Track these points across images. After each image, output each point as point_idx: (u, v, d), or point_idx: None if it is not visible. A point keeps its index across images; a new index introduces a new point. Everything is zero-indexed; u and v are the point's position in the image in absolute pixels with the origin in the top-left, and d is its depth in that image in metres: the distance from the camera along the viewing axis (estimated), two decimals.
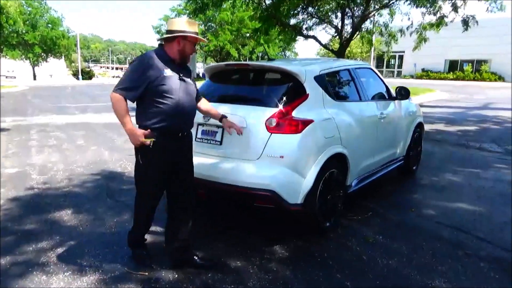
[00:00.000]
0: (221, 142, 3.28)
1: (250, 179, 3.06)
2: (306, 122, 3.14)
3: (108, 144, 7.34)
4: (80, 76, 42.45)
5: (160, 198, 2.85)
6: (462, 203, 4.27)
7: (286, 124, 3.09)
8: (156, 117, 2.56)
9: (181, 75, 2.64)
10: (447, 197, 4.47)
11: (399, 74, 41.09)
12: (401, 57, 41.28)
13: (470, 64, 36.78)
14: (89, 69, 53.39)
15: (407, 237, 3.43)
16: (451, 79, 35.19)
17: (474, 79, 34.32)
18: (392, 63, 43.13)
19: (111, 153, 6.50)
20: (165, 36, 2.61)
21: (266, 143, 3.07)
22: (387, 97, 4.69)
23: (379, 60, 41.68)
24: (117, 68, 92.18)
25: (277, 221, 3.69)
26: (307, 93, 3.34)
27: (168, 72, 2.56)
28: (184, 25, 2.63)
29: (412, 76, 38.14)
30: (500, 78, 33.71)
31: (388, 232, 3.52)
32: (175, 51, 2.61)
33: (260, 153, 3.08)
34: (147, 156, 2.61)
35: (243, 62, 3.56)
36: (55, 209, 3.97)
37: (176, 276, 2.75)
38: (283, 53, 52.02)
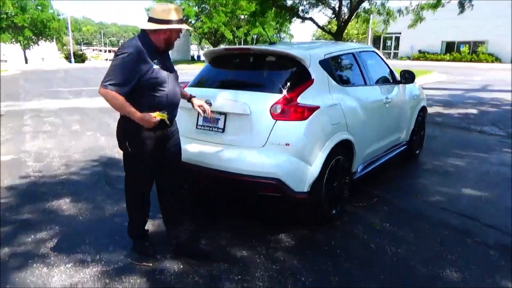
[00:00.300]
0: (223, 130, 3.17)
1: (255, 167, 2.97)
2: (312, 109, 3.04)
3: (104, 129, 7.20)
4: (72, 59, 41.70)
5: (151, 186, 2.78)
6: (467, 188, 4.22)
7: (291, 110, 2.98)
8: (148, 109, 2.46)
9: (167, 64, 2.57)
10: (452, 182, 4.42)
11: (395, 56, 40.80)
12: (397, 39, 40.92)
13: (467, 45, 36.57)
14: (81, 52, 52.52)
15: (414, 224, 3.37)
16: (448, 61, 34.99)
17: (471, 61, 34.14)
18: (389, 44, 42.74)
19: (108, 139, 6.37)
20: (150, 27, 2.44)
21: (271, 131, 2.97)
22: (391, 81, 4.58)
23: (376, 41, 41.28)
24: (109, 51, 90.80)
25: (280, 209, 3.62)
26: (312, 78, 3.22)
27: (156, 64, 2.47)
28: (171, 14, 2.44)
29: (408, 58, 37.90)
30: (497, 60, 33.57)
31: (395, 218, 3.47)
32: (161, 39, 2.49)
33: (265, 141, 2.98)
34: (136, 144, 2.54)
35: (243, 46, 3.42)
36: (53, 198, 3.87)
37: (181, 266, 2.68)
38: (278, 35, 51.23)
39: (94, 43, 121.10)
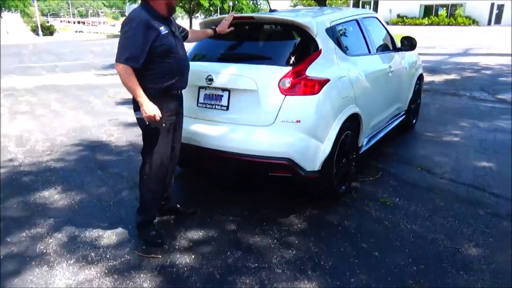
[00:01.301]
0: (227, 107, 2.95)
1: (264, 147, 2.80)
2: (323, 82, 2.85)
3: (86, 107, 6.81)
4: (40, 32, 39.55)
5: (175, 161, 2.85)
6: (468, 157, 4.18)
7: (301, 84, 2.78)
8: (163, 77, 2.48)
9: (173, 30, 2.53)
10: (452, 151, 4.37)
11: None
12: (376, 3, 40.51)
13: (444, 8, 36.54)
14: (49, 24, 49.73)
15: (424, 198, 3.31)
16: (426, 25, 34.99)
17: (449, 24, 34.25)
18: (367, 9, 42.30)
19: (92, 118, 6.02)
20: None
21: (280, 107, 2.77)
22: (391, 48, 4.41)
23: (354, 7, 40.74)
24: (79, 22, 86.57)
25: (287, 187, 3.48)
26: (320, 48, 3.01)
27: (164, 29, 2.43)
28: None
29: (387, 23, 37.31)
30: (474, 22, 33.77)
31: (403, 193, 3.39)
32: (162, 6, 2.46)
33: (274, 118, 2.79)
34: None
35: (246, 14, 3.15)
36: (42, 187, 3.60)
37: (193, 257, 2.52)
38: (253, 1, 49.59)
39: (62, 14, 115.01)
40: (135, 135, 4.94)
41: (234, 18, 3.13)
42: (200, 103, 3.07)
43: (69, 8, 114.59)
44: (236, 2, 41.81)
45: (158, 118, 2.41)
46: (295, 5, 45.45)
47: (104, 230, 2.85)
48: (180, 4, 39.74)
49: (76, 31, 54.36)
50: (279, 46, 3.11)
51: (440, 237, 2.71)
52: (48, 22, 58.89)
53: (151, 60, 2.39)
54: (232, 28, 3.06)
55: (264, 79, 2.82)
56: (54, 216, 3.07)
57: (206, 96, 3.04)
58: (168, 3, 2.47)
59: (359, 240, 2.70)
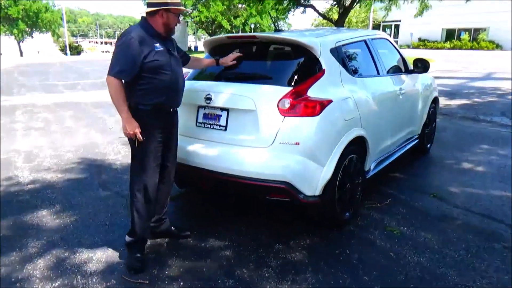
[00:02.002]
0: (226, 128, 2.86)
1: (262, 169, 2.67)
2: (325, 103, 2.73)
3: (99, 125, 6.88)
4: (68, 52, 41.10)
5: (157, 179, 2.63)
6: (485, 185, 3.94)
7: (301, 105, 2.67)
8: (152, 93, 2.45)
9: (169, 48, 2.54)
10: (468, 179, 4.13)
11: None
12: (397, 27, 40.39)
13: (467, 32, 36.06)
14: (77, 44, 51.73)
15: (434, 227, 3.10)
16: (448, 49, 34.53)
17: (471, 48, 33.70)
18: (388, 32, 42.19)
19: (102, 135, 6.06)
20: (147, 9, 2.45)
21: (279, 128, 2.66)
22: (403, 70, 4.27)
23: (375, 29, 40.71)
24: (106, 43, 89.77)
25: (287, 213, 3.33)
26: (323, 68, 2.91)
27: (159, 46, 2.45)
28: None
29: (408, 46, 37.36)
30: (498, 47, 33.12)
31: (412, 221, 3.19)
32: (159, 24, 2.48)
33: (273, 140, 2.68)
34: (143, 132, 2.46)
35: (248, 34, 3.09)
36: (41, 204, 3.56)
37: (182, 285, 2.39)
38: (276, 25, 50.41)
39: (90, 34, 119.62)
40: None
41: (238, 37, 3.08)
42: (199, 122, 3.00)
43: (97, 30, 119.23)
44: (258, 25, 42.49)
45: (138, 136, 2.40)
46: (317, 26, 45.83)
47: (95, 252, 2.75)
48: (203, 26, 40.84)
49: (103, 51, 56.34)
50: (280, 66, 3.03)
51: (449, 272, 2.50)
52: (77, 42, 61.28)
53: (142, 75, 2.39)
54: (234, 62, 3.00)
55: (263, 99, 2.73)
56: (47, 235, 3.00)
57: (205, 115, 2.97)
58: (165, 23, 2.48)
59: (361, 272, 2.52)
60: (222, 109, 2.87)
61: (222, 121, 2.87)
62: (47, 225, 3.17)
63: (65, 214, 3.35)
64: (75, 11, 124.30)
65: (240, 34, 3.11)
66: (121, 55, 2.35)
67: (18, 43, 40.41)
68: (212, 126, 2.92)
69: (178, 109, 2.77)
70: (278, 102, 2.67)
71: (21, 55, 39.74)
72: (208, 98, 2.87)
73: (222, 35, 3.17)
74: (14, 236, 2.98)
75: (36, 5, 37.16)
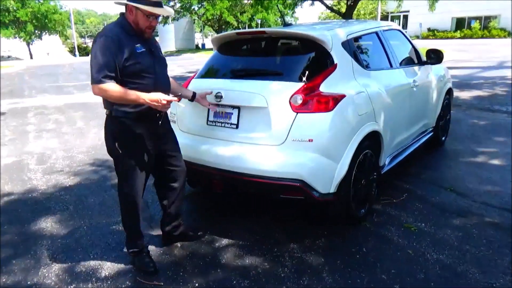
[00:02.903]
0: (237, 125, 2.82)
1: (275, 167, 2.62)
2: (338, 98, 2.67)
3: None
4: (77, 53, 41.38)
5: (143, 189, 2.49)
6: (504, 178, 3.83)
7: (314, 101, 2.61)
8: None
9: (151, 49, 2.32)
10: (485, 172, 4.03)
11: None
12: (405, 17, 39.85)
13: (477, 21, 35.40)
14: (85, 45, 52.02)
15: (453, 223, 3.02)
16: (459, 38, 33.95)
17: (482, 37, 33.08)
18: (396, 23, 41.60)
19: None
20: (116, 1, 2.22)
21: (291, 125, 2.61)
22: (416, 62, 4.17)
23: (384, 21, 40.19)
24: None
25: (302, 209, 3.28)
26: (335, 62, 2.84)
27: (140, 47, 2.23)
28: None
29: (417, 37, 36.79)
30: (510, 34, 32.44)
31: (430, 217, 3.11)
32: (130, 21, 2.24)
33: (285, 137, 2.63)
34: (127, 144, 2.32)
35: (257, 29, 3.03)
36: (55, 206, 3.57)
37: (197, 285, 2.36)
38: (281, 19, 50.05)
39: None
40: None
41: (247, 33, 3.02)
42: (210, 121, 2.96)
43: None
44: (264, 21, 42.34)
45: (165, 103, 2.18)
46: (324, 19, 45.44)
47: (109, 254, 2.74)
48: (209, 23, 40.73)
49: None
50: (291, 61, 2.97)
51: (470, 270, 2.43)
52: (85, 43, 61.61)
53: (123, 80, 2.17)
54: (208, 103, 2.80)
55: (274, 95, 2.67)
56: (61, 237, 3.00)
57: (216, 113, 2.92)
58: (134, 21, 2.22)
59: (378, 270, 2.46)
60: (233, 107, 2.82)
61: (234, 119, 2.83)
62: (61, 227, 3.17)
63: (79, 216, 3.35)
64: (83, 12, 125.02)
65: (249, 30, 3.05)
66: (102, 59, 2.10)
67: (28, 46, 40.82)
68: (223, 125, 2.88)
69: (188, 107, 2.73)
70: (290, 98, 2.62)
71: (31, 57, 40.14)
72: (219, 96, 2.82)
73: (231, 31, 3.13)
74: (29, 239, 2.99)
75: (44, 7, 37.43)
